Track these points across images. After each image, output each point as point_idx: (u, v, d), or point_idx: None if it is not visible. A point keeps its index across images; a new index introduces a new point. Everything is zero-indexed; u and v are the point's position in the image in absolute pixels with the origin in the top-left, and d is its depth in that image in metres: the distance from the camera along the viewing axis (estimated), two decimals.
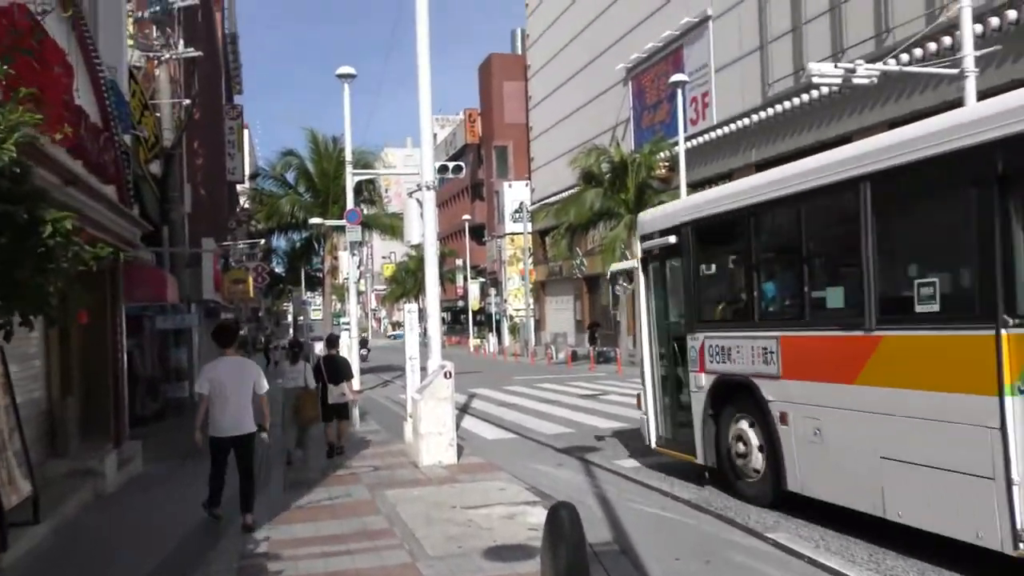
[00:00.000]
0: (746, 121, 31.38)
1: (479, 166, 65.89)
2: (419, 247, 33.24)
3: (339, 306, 72.48)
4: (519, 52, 67.56)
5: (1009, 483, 5.12)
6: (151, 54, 21.08)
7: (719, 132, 33.18)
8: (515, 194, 56.17)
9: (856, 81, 15.29)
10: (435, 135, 57.62)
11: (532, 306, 48.41)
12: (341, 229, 28.22)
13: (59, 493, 8.75)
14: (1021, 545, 5.08)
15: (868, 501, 6.30)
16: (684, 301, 9.03)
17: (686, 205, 9.82)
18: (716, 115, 33.79)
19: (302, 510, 8.39)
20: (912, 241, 6.41)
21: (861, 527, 6.57)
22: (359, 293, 35.25)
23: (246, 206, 46.99)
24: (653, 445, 9.82)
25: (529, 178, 58.26)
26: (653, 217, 9.98)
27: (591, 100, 47.40)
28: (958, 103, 22.04)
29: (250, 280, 31.54)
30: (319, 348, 34.19)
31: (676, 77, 27.24)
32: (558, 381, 23.81)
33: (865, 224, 6.29)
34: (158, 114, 20.34)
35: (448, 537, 6.88)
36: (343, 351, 23.86)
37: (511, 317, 54.11)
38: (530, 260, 49.56)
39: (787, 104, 28.94)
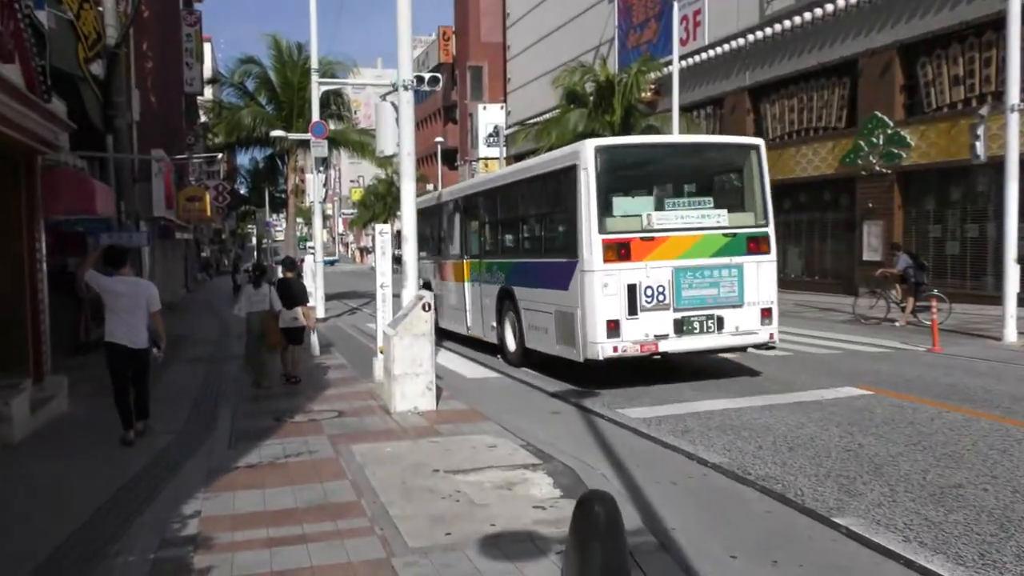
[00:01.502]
0: (741, 42, 29.49)
1: (452, 87, 63.21)
2: (391, 162, 31.21)
3: (306, 229, 70.30)
4: None
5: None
6: None
7: (711, 53, 31.27)
8: (490, 117, 53.89)
9: None
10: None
11: None
12: (306, 146, 26.24)
13: None
14: None
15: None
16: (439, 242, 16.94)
17: (450, 191, 17.03)
18: (708, 35, 31.81)
19: (250, 471, 6.83)
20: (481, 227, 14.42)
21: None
22: (325, 217, 33.22)
23: (204, 120, 44.36)
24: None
25: (505, 101, 55.86)
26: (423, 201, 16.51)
27: (573, 18, 44.93)
28: (979, 24, 20.49)
29: (207, 198, 29.47)
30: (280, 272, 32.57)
31: None
32: None
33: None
34: (100, 8, 18.05)
35: (432, 518, 5.37)
36: (308, 276, 22.33)
37: None
38: None
39: (786, 24, 27.07)
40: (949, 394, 9.53)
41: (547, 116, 35.14)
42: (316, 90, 22.06)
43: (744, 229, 10.76)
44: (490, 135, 53.21)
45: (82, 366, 14.18)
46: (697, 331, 10.33)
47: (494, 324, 13.46)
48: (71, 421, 9.50)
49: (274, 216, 63.30)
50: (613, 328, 9.95)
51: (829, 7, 25.14)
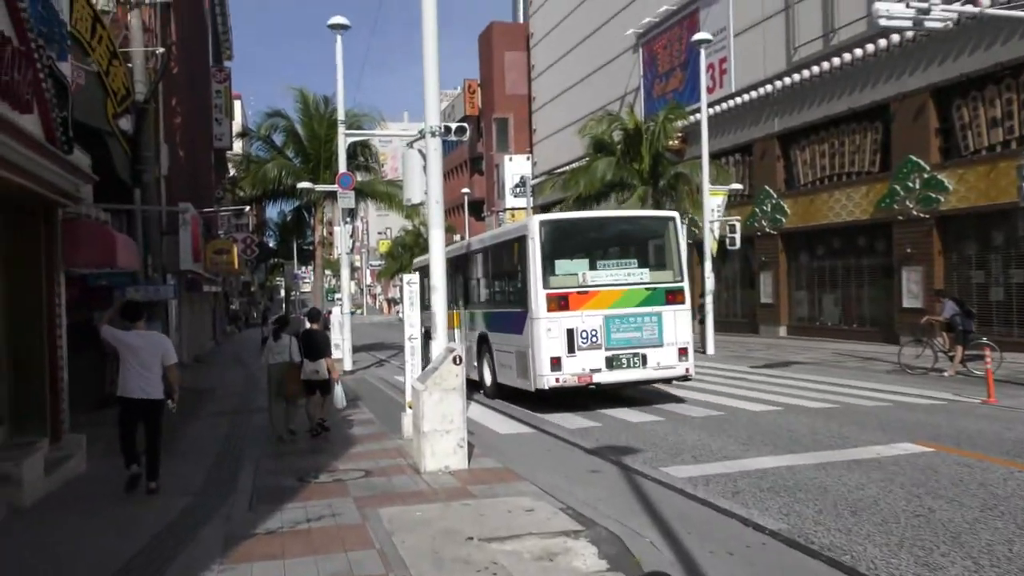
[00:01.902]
0: (768, 88, 29.26)
1: (478, 139, 63.54)
2: (418, 212, 31.06)
3: (333, 281, 70.44)
4: (521, 20, 65.11)
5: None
6: None
7: (738, 100, 31.04)
8: (516, 168, 53.90)
9: (928, 24, 13.18)
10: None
11: None
12: (333, 198, 26.20)
13: None
14: None
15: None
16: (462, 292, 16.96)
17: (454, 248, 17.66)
18: (735, 82, 31.63)
19: (269, 538, 6.35)
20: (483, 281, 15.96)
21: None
22: (353, 269, 33.00)
23: (233, 174, 44.75)
24: None
25: (531, 151, 56.00)
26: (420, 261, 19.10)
27: (597, 69, 45.10)
28: (1015, 65, 20.03)
29: (235, 250, 29.39)
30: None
31: (699, 35, 25.07)
32: None
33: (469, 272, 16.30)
34: (129, 64, 18.17)
35: None
36: (335, 327, 22.00)
37: None
38: None
39: (815, 69, 26.81)
40: (1018, 451, 8.88)
41: (574, 165, 35.03)
42: (343, 141, 22.02)
43: (663, 284, 13.15)
44: (516, 186, 53.20)
45: (104, 421, 13.83)
46: (625, 366, 12.73)
47: (475, 364, 15.61)
48: (88, 481, 9.11)
49: (302, 268, 63.46)
50: (556, 364, 12.41)
51: (858, 52, 24.84)
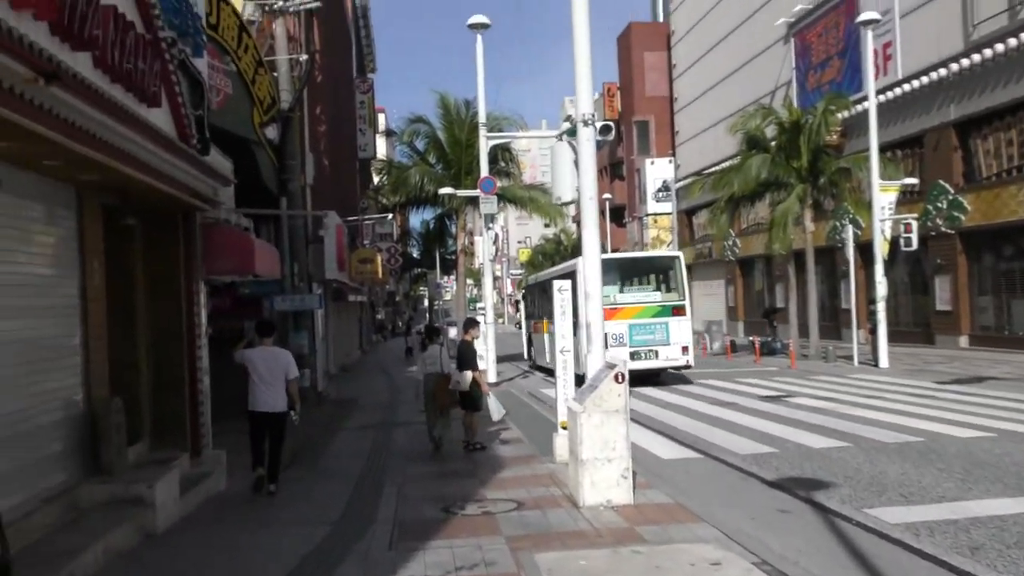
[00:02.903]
0: (942, 72, 26.55)
1: (618, 143, 62.12)
2: (561, 216, 30.14)
3: (475, 290, 70.76)
4: (660, 19, 63.30)
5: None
6: (267, 5, 18.90)
7: (905, 88, 28.41)
8: (658, 171, 52.17)
9: None
10: (569, 115, 54.34)
11: None
12: (475, 205, 25.68)
13: (82, 537, 6.22)
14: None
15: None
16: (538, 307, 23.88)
17: (535, 278, 27.04)
18: (901, 69, 29.00)
19: None
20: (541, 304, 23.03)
21: None
22: (494, 278, 32.56)
23: (377, 183, 45.35)
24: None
25: (673, 154, 54.10)
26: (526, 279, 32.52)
27: (744, 64, 42.88)
28: None
29: (379, 260, 29.40)
30: (453, 333, 32.09)
31: (865, 15, 22.93)
32: (723, 376, 20.24)
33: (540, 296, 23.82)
34: (275, 73, 18.16)
35: None
36: (480, 338, 21.45)
37: None
38: (671, 244, 45.61)
39: (998, 48, 24.04)
40: None
41: (724, 165, 33.17)
42: (484, 144, 21.40)
43: (670, 302, 18.94)
44: (659, 190, 51.53)
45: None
46: (643, 359, 18.27)
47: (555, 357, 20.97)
48: (225, 503, 8.60)
49: (444, 278, 63.92)
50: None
51: None
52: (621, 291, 19.18)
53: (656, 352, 18.29)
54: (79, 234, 7.39)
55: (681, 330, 18.54)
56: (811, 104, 29.12)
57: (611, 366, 7.84)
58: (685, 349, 18.51)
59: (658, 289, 19.86)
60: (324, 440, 12.83)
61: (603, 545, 6.25)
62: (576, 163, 9.97)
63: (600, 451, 7.51)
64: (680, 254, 19.81)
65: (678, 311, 18.58)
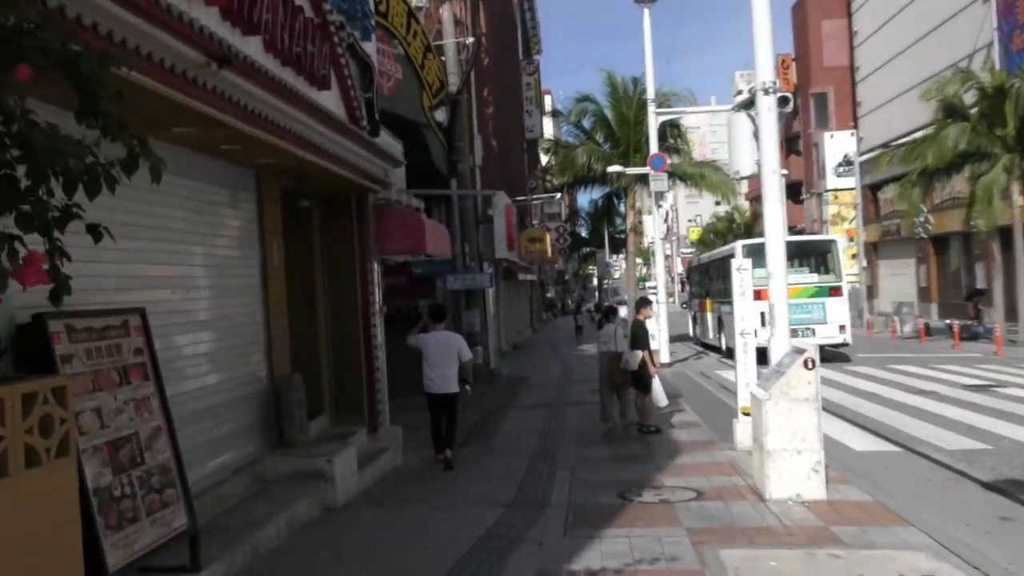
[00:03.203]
0: None
1: (794, 117, 59.01)
2: (732, 192, 28.94)
3: (644, 269, 69.76)
4: None
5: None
6: None
7: None
8: (838, 145, 49.00)
9: None
10: (739, 91, 51.81)
11: (863, 271, 41.61)
12: (644, 183, 25.07)
13: (266, 508, 6.38)
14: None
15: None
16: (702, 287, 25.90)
17: (697, 260, 30.96)
18: None
19: None
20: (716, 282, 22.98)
21: None
22: (664, 256, 31.67)
23: (545, 164, 45.36)
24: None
25: (855, 126, 50.71)
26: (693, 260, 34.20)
27: (936, 28, 39.26)
28: None
29: (548, 239, 29.37)
30: (624, 312, 31.71)
31: None
32: (918, 362, 18.66)
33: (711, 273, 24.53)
34: (443, 57, 18.38)
35: None
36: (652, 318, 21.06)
37: None
38: (854, 220, 42.82)
39: None
40: None
41: (914, 136, 30.64)
42: (653, 120, 20.76)
43: (827, 283, 19.59)
44: (839, 164, 48.48)
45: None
46: (800, 336, 16.51)
47: (717, 335, 22.60)
48: (401, 478, 8.68)
49: (613, 257, 63.36)
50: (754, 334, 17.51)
51: None
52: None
53: (813, 331, 18.85)
54: (259, 216, 7.59)
55: (838, 310, 19.42)
56: (1017, 67, 26.30)
57: (799, 351, 7.22)
58: (842, 328, 19.25)
59: (816, 271, 20.59)
60: (496, 418, 12.83)
61: (795, 545, 5.72)
62: (756, 135, 9.31)
63: (788, 441, 6.94)
64: (836, 238, 21.24)
65: (835, 292, 19.40)
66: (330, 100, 7.37)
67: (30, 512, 3.54)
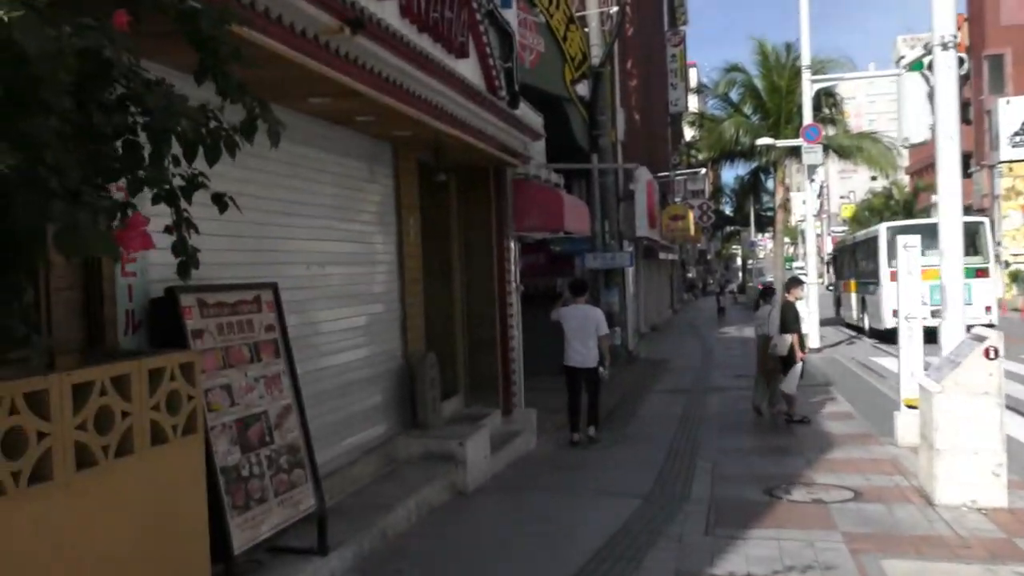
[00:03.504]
0: None
1: (964, 82, 54.72)
2: (892, 167, 27.06)
3: (792, 249, 66.90)
4: None
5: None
6: None
7: None
8: (1015, 112, 45.05)
9: None
10: (901, 56, 48.41)
11: None
12: (794, 156, 23.79)
13: (397, 490, 6.29)
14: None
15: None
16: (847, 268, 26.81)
17: (842, 242, 30.58)
18: None
19: None
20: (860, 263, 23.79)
21: None
22: (815, 235, 30.00)
23: (689, 140, 44.00)
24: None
25: None
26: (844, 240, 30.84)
27: None
28: None
29: (691, 216, 28.42)
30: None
31: None
32: None
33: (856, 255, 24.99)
34: (586, 28, 17.94)
35: None
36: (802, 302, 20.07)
37: (1007, 263, 43.91)
38: None
39: None
40: None
41: None
42: (808, 88, 19.53)
43: (974, 264, 18.31)
44: (1015, 133, 44.52)
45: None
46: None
47: (859, 315, 23.18)
48: (534, 464, 8.46)
49: (758, 236, 61.04)
50: (894, 313, 14.77)
51: None
52: (923, 254, 21.01)
53: None
54: (396, 190, 7.49)
55: (984, 291, 19.63)
56: None
57: (979, 338, 6.45)
58: (988, 308, 19.51)
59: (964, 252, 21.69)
60: (633, 402, 12.43)
61: (972, 559, 5.07)
62: (931, 96, 8.41)
63: (963, 439, 6.21)
64: (986, 220, 21.04)
65: (981, 273, 19.44)
66: (468, 69, 7.15)
67: (155, 490, 3.49)
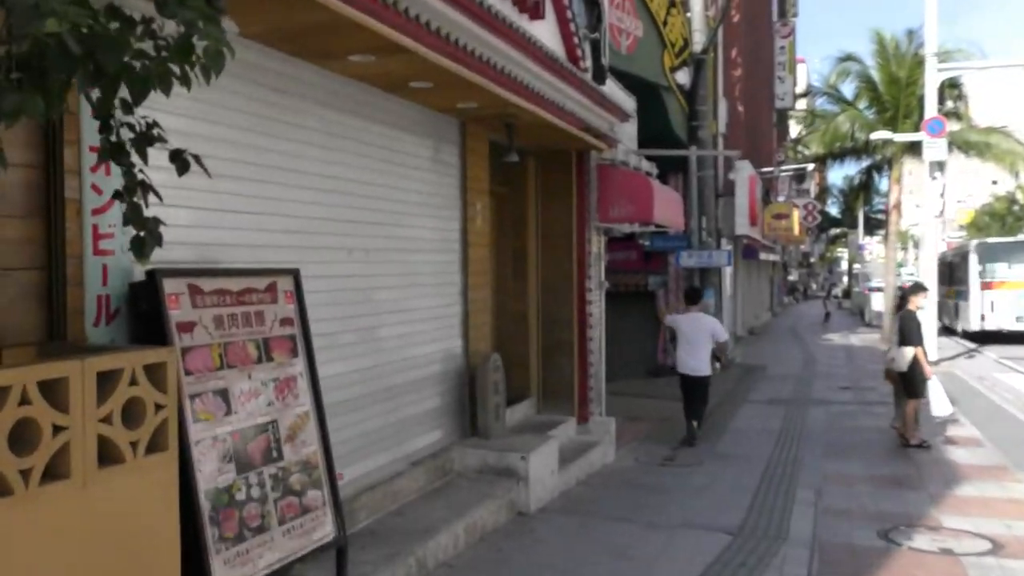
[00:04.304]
0: None
1: None
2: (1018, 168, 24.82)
3: (901, 253, 63.46)
4: None
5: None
6: None
7: None
8: None
9: None
10: None
11: None
12: (913, 152, 21.97)
13: (444, 510, 5.49)
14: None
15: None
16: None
17: (943, 252, 26.44)
18: None
19: None
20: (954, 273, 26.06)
21: None
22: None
23: (795, 137, 41.94)
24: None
25: None
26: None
27: None
28: None
29: (795, 216, 26.76)
30: (877, 302, 28.42)
31: None
32: None
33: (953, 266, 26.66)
34: (688, 13, 16.87)
35: None
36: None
37: None
38: None
39: None
40: None
41: None
42: (932, 79, 17.85)
43: None
44: None
45: (655, 393, 12.60)
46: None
47: (954, 319, 25.46)
48: (609, 481, 7.53)
49: (866, 239, 58.00)
50: (982, 318, 22.63)
51: None
52: (1009, 267, 23.54)
53: None
54: (462, 171, 6.70)
55: None
56: None
57: None
58: None
59: None
60: (726, 413, 11.33)
61: None
62: None
63: None
64: None
65: None
66: (543, 32, 6.28)
67: (104, 523, 2.77)
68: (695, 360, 9.05)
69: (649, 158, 10.76)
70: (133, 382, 2.88)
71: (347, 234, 5.19)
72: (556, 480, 6.81)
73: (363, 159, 5.37)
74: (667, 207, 9.20)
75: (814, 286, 76.08)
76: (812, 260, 73.04)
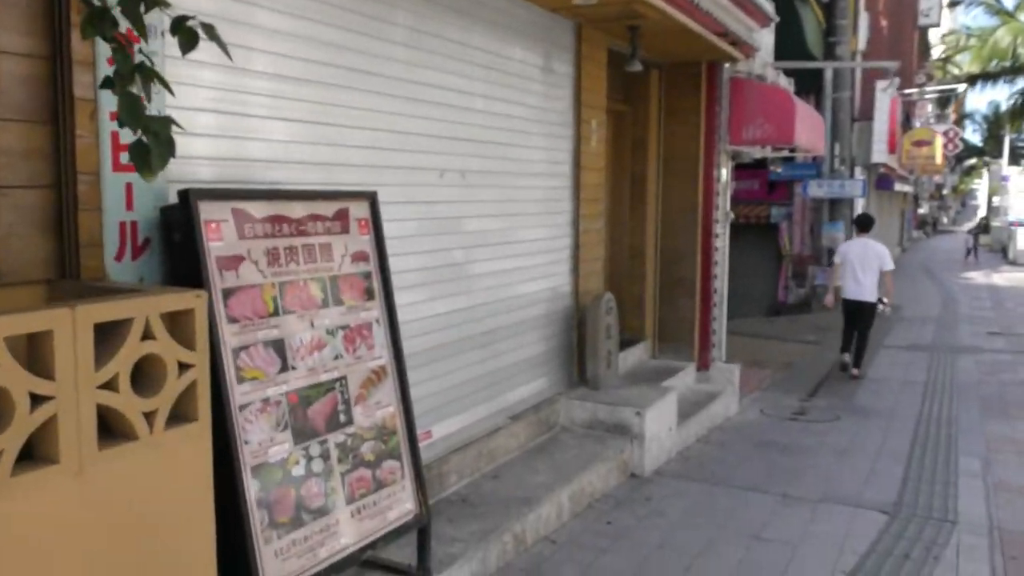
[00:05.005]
0: None
1: None
2: None
3: None
4: None
5: None
6: None
7: None
8: None
9: None
10: None
11: None
12: None
13: (545, 475, 4.79)
14: None
15: None
16: None
17: None
18: None
19: None
20: None
21: None
22: None
23: (937, 58, 38.47)
24: None
25: None
26: None
27: None
28: None
29: (938, 143, 24.44)
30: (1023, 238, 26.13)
31: None
32: None
33: None
34: None
35: None
36: None
37: None
38: None
39: None
40: None
41: None
42: None
43: None
44: None
45: (776, 334, 11.62)
46: None
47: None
48: (733, 439, 6.66)
49: (1012, 168, 53.57)
50: None
51: None
52: None
53: None
54: (575, 83, 5.80)
55: None
56: None
57: None
58: None
59: None
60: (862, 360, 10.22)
61: None
62: None
63: None
64: None
65: None
66: None
67: (111, 516, 2.16)
68: (860, 286, 8.98)
69: (786, 72, 9.53)
70: (148, 335, 2.23)
71: (439, 152, 4.42)
72: (674, 438, 6.01)
73: (460, 64, 4.56)
74: (809, 128, 8.03)
75: (944, 220, 71.50)
76: (945, 192, 68.42)
